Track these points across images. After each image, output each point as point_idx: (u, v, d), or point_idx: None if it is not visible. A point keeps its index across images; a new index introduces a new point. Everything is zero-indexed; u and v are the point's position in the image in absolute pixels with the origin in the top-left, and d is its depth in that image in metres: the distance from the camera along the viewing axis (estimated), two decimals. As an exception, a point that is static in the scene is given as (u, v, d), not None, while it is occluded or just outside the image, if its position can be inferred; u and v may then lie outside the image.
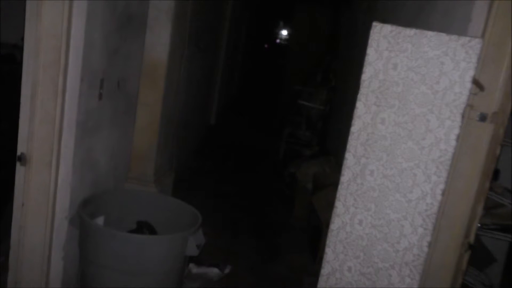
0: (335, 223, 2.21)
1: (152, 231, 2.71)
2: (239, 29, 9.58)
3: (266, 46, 15.74)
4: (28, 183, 2.34)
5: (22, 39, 2.24)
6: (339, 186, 2.18)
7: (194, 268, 3.22)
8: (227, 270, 3.29)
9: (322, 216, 3.64)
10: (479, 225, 2.33)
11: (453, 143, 1.99)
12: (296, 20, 10.67)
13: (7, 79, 3.09)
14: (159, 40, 3.25)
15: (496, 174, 2.63)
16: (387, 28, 2.03)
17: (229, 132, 7.99)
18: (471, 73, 1.94)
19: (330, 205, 2.32)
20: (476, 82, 2.06)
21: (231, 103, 10.14)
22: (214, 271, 3.25)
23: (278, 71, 11.81)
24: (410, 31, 2.00)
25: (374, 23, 2.05)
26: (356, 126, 2.12)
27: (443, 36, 1.96)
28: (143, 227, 2.70)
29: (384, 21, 2.05)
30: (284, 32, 16.63)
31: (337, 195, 2.19)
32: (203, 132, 6.78)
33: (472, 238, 2.31)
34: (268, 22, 15.20)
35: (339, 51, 7.10)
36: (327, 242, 2.23)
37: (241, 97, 11.55)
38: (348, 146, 2.14)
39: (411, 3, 3.35)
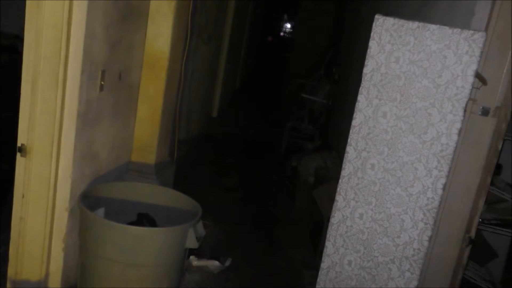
0: (336, 217, 2.20)
1: (152, 223, 2.71)
2: (243, 22, 9.53)
3: (270, 39, 15.69)
4: (28, 174, 2.34)
5: (24, 29, 2.23)
6: (340, 180, 2.18)
7: (194, 261, 3.23)
8: (227, 263, 3.29)
9: (323, 210, 3.63)
10: (480, 220, 2.32)
11: (454, 137, 1.98)
12: (300, 13, 10.63)
13: (8, 70, 3.09)
14: (161, 31, 3.23)
15: (498, 168, 2.62)
16: (390, 21, 2.01)
17: (232, 125, 7.97)
18: (473, 67, 1.93)
19: (331, 199, 2.31)
20: (478, 76, 2.04)
21: (234, 96, 10.12)
22: (214, 264, 3.25)
23: (282, 64, 11.77)
24: (413, 24, 1.99)
25: (377, 16, 2.03)
26: (358, 119, 2.11)
27: (446, 30, 1.94)
28: (144, 219, 2.70)
29: (387, 14, 2.03)
30: (289, 25, 16.57)
31: (338, 189, 2.19)
32: (205, 124, 6.76)
33: (473, 233, 2.30)
34: (273, 15, 15.14)
35: (343, 45, 7.06)
36: (327, 235, 2.23)
37: (244, 90, 11.52)
38: (349, 140, 2.13)
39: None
